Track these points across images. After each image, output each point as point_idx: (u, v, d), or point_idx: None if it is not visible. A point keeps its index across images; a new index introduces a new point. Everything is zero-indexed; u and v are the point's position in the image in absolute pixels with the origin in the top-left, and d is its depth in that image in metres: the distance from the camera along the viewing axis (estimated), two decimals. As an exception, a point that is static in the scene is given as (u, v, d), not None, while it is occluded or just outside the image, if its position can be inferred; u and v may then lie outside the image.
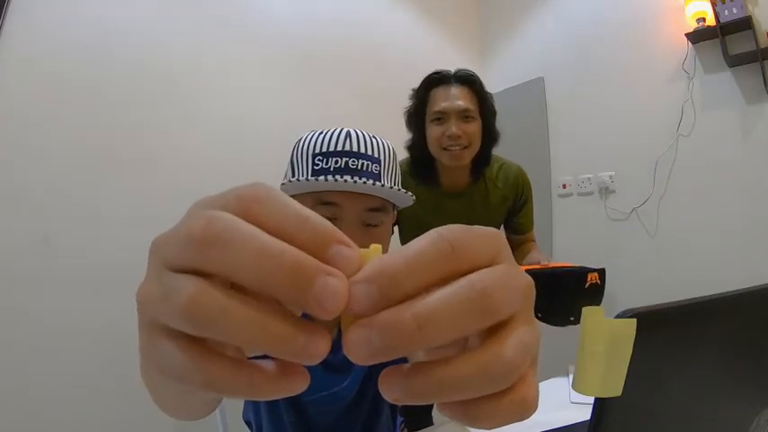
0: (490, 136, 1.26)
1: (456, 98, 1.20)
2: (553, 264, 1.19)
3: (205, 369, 0.16)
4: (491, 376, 0.17)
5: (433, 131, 1.22)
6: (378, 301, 0.16)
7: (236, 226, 0.16)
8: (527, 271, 0.22)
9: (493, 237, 0.19)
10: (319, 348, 0.16)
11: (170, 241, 0.17)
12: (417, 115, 1.26)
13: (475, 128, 1.22)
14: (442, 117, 1.21)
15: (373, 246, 0.18)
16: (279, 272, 0.15)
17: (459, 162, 1.23)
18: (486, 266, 0.18)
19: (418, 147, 1.28)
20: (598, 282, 1.15)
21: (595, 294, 1.13)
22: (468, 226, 0.18)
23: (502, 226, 1.43)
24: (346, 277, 0.16)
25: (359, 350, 0.16)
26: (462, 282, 0.17)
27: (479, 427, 0.18)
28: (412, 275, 0.16)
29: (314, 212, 0.17)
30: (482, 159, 1.28)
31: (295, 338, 0.16)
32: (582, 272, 1.09)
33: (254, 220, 0.16)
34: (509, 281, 0.17)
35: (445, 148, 1.21)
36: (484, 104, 1.24)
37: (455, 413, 0.18)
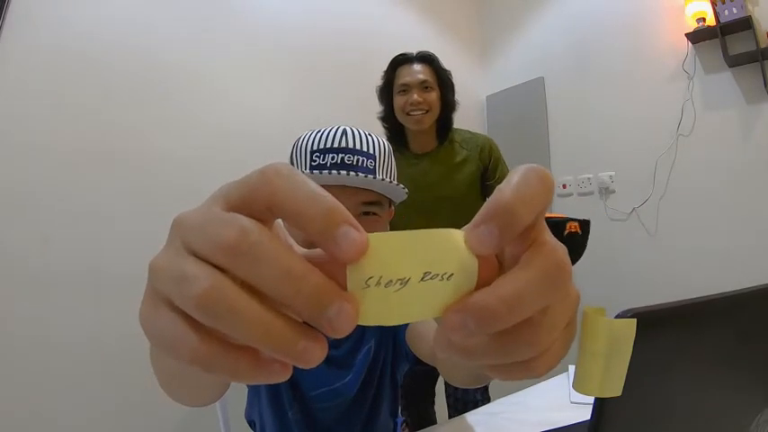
0: (448, 104, 1.48)
1: (417, 73, 1.44)
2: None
3: (194, 344, 0.16)
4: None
5: (398, 101, 1.45)
6: (500, 238, 0.17)
7: (267, 244, 0.16)
8: None
9: None
10: (315, 355, 0.17)
11: (198, 231, 0.17)
12: (386, 89, 1.50)
13: (434, 96, 1.44)
14: (405, 89, 1.44)
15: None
16: (300, 293, 0.16)
17: (421, 125, 1.43)
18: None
19: (388, 116, 1.51)
20: (578, 231, 1.14)
21: (574, 244, 1.13)
22: None
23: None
24: (351, 260, 0.17)
25: (457, 333, 0.18)
26: (539, 257, 0.18)
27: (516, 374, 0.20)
28: (525, 207, 0.18)
29: (327, 193, 0.17)
30: (444, 124, 1.49)
31: (295, 344, 0.16)
32: (561, 221, 1.11)
33: (269, 199, 0.17)
34: (566, 255, 0.19)
35: (408, 114, 1.42)
36: (441, 78, 1.47)
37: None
